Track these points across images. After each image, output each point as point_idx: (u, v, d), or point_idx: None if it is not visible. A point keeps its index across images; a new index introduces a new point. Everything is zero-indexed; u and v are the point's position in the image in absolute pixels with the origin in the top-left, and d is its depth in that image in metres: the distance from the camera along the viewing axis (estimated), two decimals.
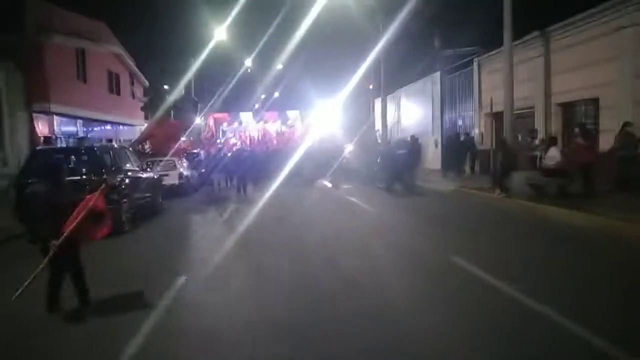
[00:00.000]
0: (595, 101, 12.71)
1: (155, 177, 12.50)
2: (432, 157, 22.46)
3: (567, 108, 14.08)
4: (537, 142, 12.93)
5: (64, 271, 4.82)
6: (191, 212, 12.28)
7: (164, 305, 4.93)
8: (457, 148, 18.33)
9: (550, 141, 10.93)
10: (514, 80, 15.51)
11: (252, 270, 6.45)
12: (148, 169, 12.94)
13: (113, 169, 9.58)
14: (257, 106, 47.85)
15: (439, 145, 22.50)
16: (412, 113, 27.23)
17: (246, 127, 42.96)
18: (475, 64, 19.14)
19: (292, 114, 44.02)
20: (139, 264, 6.95)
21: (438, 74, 22.99)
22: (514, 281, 5.11)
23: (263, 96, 51.25)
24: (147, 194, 11.44)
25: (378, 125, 30.64)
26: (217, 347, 3.95)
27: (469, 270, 5.75)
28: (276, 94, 50.36)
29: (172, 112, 23.62)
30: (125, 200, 9.56)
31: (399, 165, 14.99)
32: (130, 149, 13.33)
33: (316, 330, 4.16)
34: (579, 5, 13.16)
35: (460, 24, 21.00)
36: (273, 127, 43.38)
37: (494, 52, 16.79)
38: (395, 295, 5.14)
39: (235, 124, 43.57)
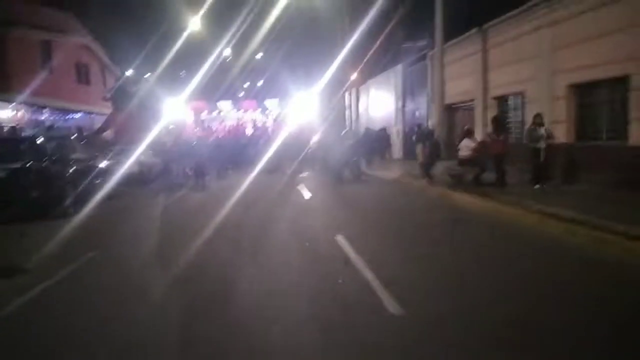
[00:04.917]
0: (522, 94, 13.53)
1: (105, 166, 13.23)
2: (397, 146, 23.54)
3: (501, 101, 14.90)
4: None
5: None
6: (137, 197, 12.99)
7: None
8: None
9: (465, 133, 11.75)
10: (460, 74, 16.38)
11: (158, 244, 7.28)
12: (100, 158, 13.62)
13: (54, 158, 10.32)
14: (242, 94, 48.32)
15: (400, 136, 23.46)
16: (379, 104, 27.98)
17: (224, 117, 43.51)
18: (428, 58, 19.86)
19: (270, 103, 44.55)
20: (59, 242, 7.64)
21: (400, 66, 23.71)
22: (372, 258, 5.93)
23: (246, 85, 51.85)
24: (96, 181, 12.22)
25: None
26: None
27: (343, 247, 6.62)
28: (259, 83, 50.85)
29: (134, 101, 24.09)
30: (67, 187, 10.35)
31: (345, 156, 15.79)
32: (84, 139, 14.02)
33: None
34: (516, 4, 13.84)
35: (420, 17, 21.70)
36: (252, 116, 43.93)
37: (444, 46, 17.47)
38: (261, 259, 6.19)
39: (214, 113, 44.08)
